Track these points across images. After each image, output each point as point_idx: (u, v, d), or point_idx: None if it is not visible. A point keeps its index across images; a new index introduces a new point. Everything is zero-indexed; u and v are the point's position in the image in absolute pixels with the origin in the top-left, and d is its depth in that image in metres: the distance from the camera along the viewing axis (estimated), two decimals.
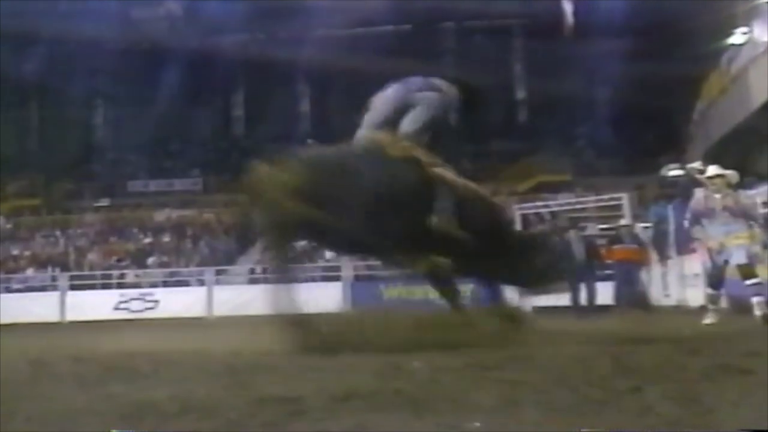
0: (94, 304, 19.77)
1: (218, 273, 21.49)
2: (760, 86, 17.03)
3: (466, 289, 18.62)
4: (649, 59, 26.25)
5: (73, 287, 21.19)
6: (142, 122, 31.17)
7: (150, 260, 24.28)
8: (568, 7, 30.03)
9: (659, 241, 16.07)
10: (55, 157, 31.58)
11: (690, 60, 24.04)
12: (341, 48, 29.60)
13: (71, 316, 19.51)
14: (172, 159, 32.62)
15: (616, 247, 14.35)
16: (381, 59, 28.38)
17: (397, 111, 6.68)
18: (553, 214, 22.24)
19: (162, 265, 23.84)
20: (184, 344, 5.98)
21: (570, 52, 28.82)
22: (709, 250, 8.86)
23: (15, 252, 25.66)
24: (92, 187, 31.53)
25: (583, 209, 19.71)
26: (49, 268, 23.95)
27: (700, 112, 22.93)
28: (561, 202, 21.22)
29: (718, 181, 8.90)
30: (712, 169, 9.10)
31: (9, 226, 28.35)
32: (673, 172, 22.86)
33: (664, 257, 15.81)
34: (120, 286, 21.99)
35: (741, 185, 9.68)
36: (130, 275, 22.79)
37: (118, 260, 24.55)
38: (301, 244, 6.41)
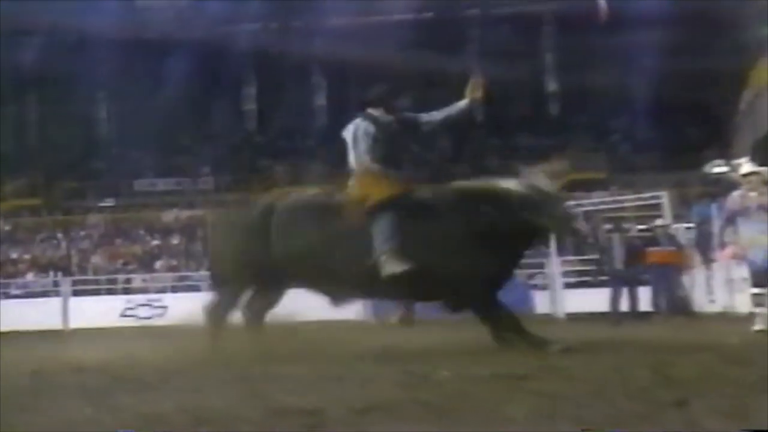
0: (99, 311, 19.85)
1: None
2: None
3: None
4: (690, 46, 26.05)
5: (76, 293, 21.29)
6: (149, 117, 31.26)
7: (158, 264, 24.40)
8: None
9: (703, 243, 15.95)
10: (55, 155, 31.77)
11: (735, 48, 23.84)
12: (358, 39, 29.59)
13: (74, 323, 19.60)
14: (180, 156, 32.74)
15: (652, 249, 14.29)
16: (401, 50, 28.46)
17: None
18: (587, 214, 22.15)
19: (171, 269, 23.94)
20: (195, 353, 6.00)
21: (604, 40, 28.64)
22: (744, 250, 8.83)
23: (14, 255, 25.81)
24: (96, 186, 31.69)
25: (620, 209, 19.59)
26: (51, 273, 24.10)
27: (747, 102, 22.72)
28: (595, 202, 21.08)
29: (753, 178, 8.85)
30: (747, 167, 9.05)
31: (7, 227, 28.54)
32: (718, 168, 22.66)
33: (708, 260, 15.69)
34: (126, 291, 22.10)
35: None
36: (137, 280, 22.91)
37: (124, 264, 24.67)
38: None
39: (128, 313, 20.45)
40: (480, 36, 32.33)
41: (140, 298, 21.10)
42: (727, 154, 22.36)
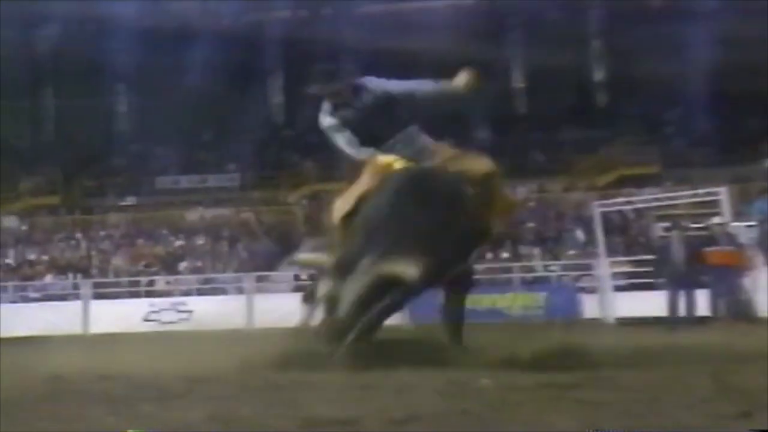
0: (121, 315, 20.00)
1: (259, 279, 21.61)
2: None
3: (540, 298, 18.60)
4: (750, 33, 25.72)
5: (96, 296, 21.47)
6: (171, 111, 31.49)
7: (182, 265, 24.55)
8: None
9: (764, 242, 15.77)
10: (74, 150, 32.13)
11: None
12: (393, 26, 29.59)
13: (95, 328, 19.77)
14: (205, 152, 32.94)
15: (710, 249, 14.15)
16: (438, 38, 28.38)
17: None
18: (638, 212, 21.99)
19: (195, 270, 24.09)
20: (222, 359, 6.03)
21: (657, 25, 28.40)
22: None
23: (31, 257, 26.10)
24: (116, 183, 31.95)
25: (674, 206, 19.42)
26: (70, 275, 24.32)
27: None
28: (647, 198, 20.95)
29: None
30: None
31: (24, 227, 28.88)
32: None
33: None
34: (149, 294, 22.25)
35: None
36: (160, 282, 23.06)
37: (146, 266, 24.85)
38: None
39: (151, 317, 20.58)
40: (521, 21, 32.22)
41: (163, 301, 21.21)
42: None
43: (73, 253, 26.36)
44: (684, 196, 19.44)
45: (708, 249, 14.26)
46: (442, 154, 6.67)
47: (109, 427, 3.36)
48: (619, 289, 18.01)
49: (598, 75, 33.14)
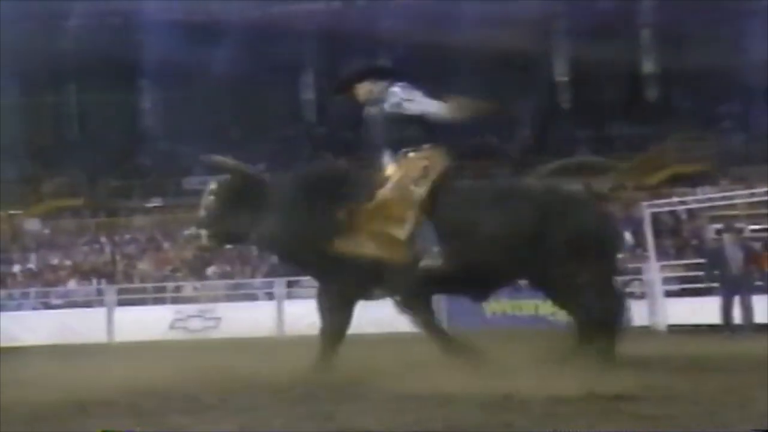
0: (147, 322, 20.08)
1: (290, 285, 21.62)
2: None
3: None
4: None
5: (121, 302, 21.61)
6: (199, 109, 31.69)
7: (210, 270, 24.63)
8: None
9: None
10: (98, 150, 32.41)
11: None
12: (429, 19, 29.58)
13: (120, 336, 19.89)
14: (233, 150, 32.98)
15: None
16: (475, 31, 28.34)
17: None
18: (691, 212, 21.77)
19: (224, 276, 24.16)
20: (253, 368, 6.08)
21: (710, 14, 28.14)
22: None
23: (54, 261, 26.32)
24: (141, 184, 32.17)
25: (730, 206, 19.21)
26: (94, 280, 24.49)
27: None
28: (701, 198, 20.74)
29: None
30: None
31: (46, 230, 29.16)
32: None
33: None
34: (175, 301, 22.33)
35: None
36: (187, 288, 23.16)
37: (173, 271, 24.96)
38: None
39: (178, 324, 20.67)
40: (564, 11, 32.06)
41: (191, 308, 21.27)
42: None
43: (97, 258, 26.53)
44: (741, 195, 19.23)
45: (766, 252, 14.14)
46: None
47: None
48: (670, 294, 17.84)
49: (649, 67, 32.85)
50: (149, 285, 23.41)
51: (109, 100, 32.94)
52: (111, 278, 24.34)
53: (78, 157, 32.33)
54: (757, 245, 14.81)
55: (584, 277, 6.49)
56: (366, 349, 6.76)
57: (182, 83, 31.95)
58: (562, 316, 18.11)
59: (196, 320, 20.66)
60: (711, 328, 13.84)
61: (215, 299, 22.05)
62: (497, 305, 18.37)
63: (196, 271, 24.60)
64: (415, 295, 6.80)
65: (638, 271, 18.83)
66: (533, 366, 5.76)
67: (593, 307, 6.55)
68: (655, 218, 18.61)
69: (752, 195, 18.48)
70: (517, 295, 18.86)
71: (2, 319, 20.57)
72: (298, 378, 5.65)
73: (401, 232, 6.52)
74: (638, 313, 17.77)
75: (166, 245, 26.99)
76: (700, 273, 16.30)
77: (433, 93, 7.48)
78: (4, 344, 17.50)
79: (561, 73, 32.74)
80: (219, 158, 8.01)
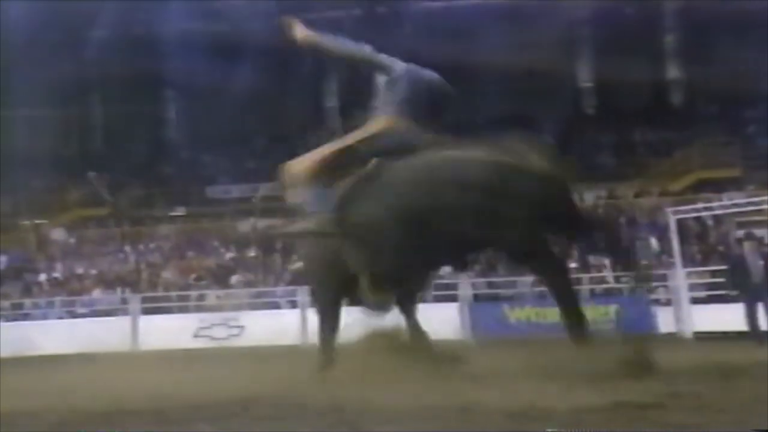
0: (171, 331, 20.14)
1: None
2: None
3: (610, 311, 18.35)
4: None
5: (146, 311, 21.70)
6: (222, 118, 31.80)
7: (233, 279, 24.71)
8: None
9: None
10: (122, 160, 32.59)
11: None
12: (449, 23, 29.58)
13: (145, 344, 19.95)
14: (257, 159, 33.17)
15: None
16: (498, 37, 28.29)
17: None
18: (717, 218, 21.63)
19: (248, 284, 24.23)
20: (277, 377, 6.08)
21: (735, 19, 27.96)
22: None
23: (79, 270, 26.47)
24: (165, 193, 32.31)
25: (756, 212, 19.07)
26: (118, 289, 24.60)
27: None
28: (727, 204, 20.59)
29: None
30: None
31: (72, 240, 29.35)
32: None
33: None
34: (199, 309, 22.40)
35: None
36: (211, 296, 23.22)
37: (197, 279, 25.04)
38: None
39: (202, 333, 20.74)
40: (589, 15, 31.96)
41: (215, 317, 21.32)
42: None
43: (121, 267, 26.67)
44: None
45: None
46: None
47: None
48: (696, 301, 17.73)
49: (674, 72, 32.70)
50: (173, 293, 23.48)
51: (133, 111, 33.12)
52: (135, 287, 24.45)
53: (102, 166, 32.53)
54: None
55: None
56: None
57: (205, 93, 32.04)
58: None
59: (220, 328, 20.71)
60: (738, 335, 13.72)
61: (239, 308, 22.08)
62: (521, 312, 18.35)
63: (220, 280, 24.68)
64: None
65: (664, 278, 18.73)
66: (558, 374, 5.74)
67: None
68: (681, 224, 18.51)
69: None
70: (541, 303, 18.84)
71: (28, 327, 20.77)
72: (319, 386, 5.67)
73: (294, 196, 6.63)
74: (664, 320, 17.75)
75: (189, 254, 27.10)
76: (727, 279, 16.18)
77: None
78: (29, 353, 17.66)
79: (585, 79, 32.64)
80: None
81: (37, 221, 30.69)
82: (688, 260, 18.78)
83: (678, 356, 7.97)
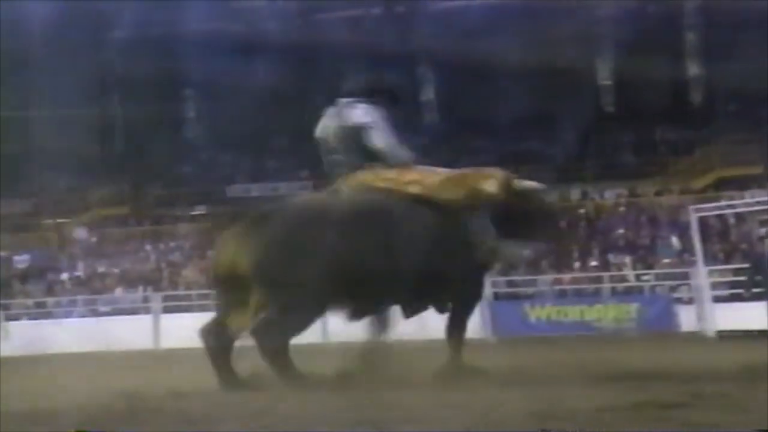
0: (192, 329, 20.12)
1: None
2: None
3: (632, 309, 18.27)
4: None
5: (167, 309, 21.76)
6: (242, 117, 31.85)
7: None
8: None
9: None
10: (143, 159, 32.73)
11: None
12: (470, 23, 29.51)
13: (166, 343, 19.99)
14: (276, 158, 33.23)
15: None
16: (518, 36, 28.24)
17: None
18: (740, 216, 21.50)
19: None
20: (300, 375, 6.08)
21: (759, 13, 27.77)
22: None
23: (101, 269, 26.61)
24: (186, 192, 32.41)
25: None
26: (140, 288, 24.70)
27: None
28: (749, 202, 20.46)
29: None
30: None
31: (93, 239, 29.51)
32: None
33: None
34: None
35: None
36: None
37: None
38: None
39: None
40: (611, 13, 31.81)
41: None
42: None
43: (142, 266, 26.79)
44: None
45: None
46: None
47: None
48: (719, 299, 17.63)
49: (694, 70, 32.52)
50: (194, 292, 23.54)
51: (154, 110, 33.19)
52: (157, 285, 24.54)
53: (123, 166, 32.70)
54: None
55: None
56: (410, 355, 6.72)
57: (226, 92, 32.13)
58: (606, 322, 18.02)
59: None
60: (762, 333, 13.62)
61: None
62: (541, 311, 18.32)
63: None
64: None
65: (686, 276, 18.65)
66: (580, 373, 5.72)
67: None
68: (703, 222, 18.41)
69: None
70: (561, 301, 18.81)
71: (51, 326, 20.90)
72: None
73: None
74: (686, 319, 17.66)
75: (210, 253, 27.12)
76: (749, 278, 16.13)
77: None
78: (52, 351, 17.76)
79: (605, 77, 32.50)
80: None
81: (59, 220, 30.90)
82: (710, 258, 18.68)
83: (701, 355, 7.94)
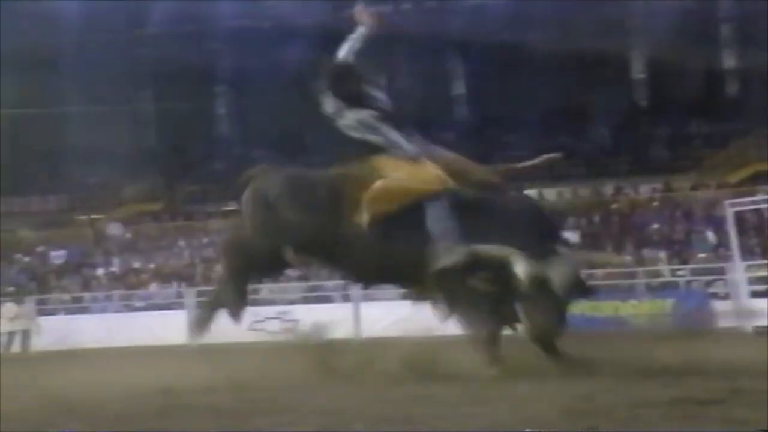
0: (225, 324, 20.22)
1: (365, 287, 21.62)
2: None
3: (667, 305, 18.09)
4: None
5: (200, 305, 21.81)
6: (273, 113, 31.94)
7: (286, 273, 24.77)
8: None
9: None
10: (176, 155, 32.92)
11: None
12: (501, 19, 29.40)
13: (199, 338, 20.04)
14: (306, 154, 33.27)
15: None
16: (551, 29, 28.08)
17: None
18: None
19: (300, 278, 24.25)
20: (333, 371, 6.08)
21: None
22: None
23: (136, 265, 26.79)
24: (218, 188, 32.54)
25: None
26: (174, 283, 24.84)
27: None
28: None
29: None
30: None
31: (128, 235, 29.71)
32: None
33: None
34: (253, 302, 22.41)
35: None
36: (264, 290, 23.31)
37: None
38: None
39: (256, 326, 20.77)
40: (644, 9, 31.55)
41: (268, 310, 21.36)
42: None
43: (176, 261, 26.93)
44: None
45: None
46: None
47: None
48: (756, 295, 17.44)
49: (730, 63, 32.16)
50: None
51: (187, 107, 33.36)
52: (190, 281, 24.66)
53: (157, 162, 32.91)
54: None
55: None
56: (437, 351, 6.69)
57: (257, 89, 32.22)
58: (641, 317, 17.86)
59: (273, 322, 20.79)
60: None
61: (292, 302, 22.19)
62: (575, 306, 18.16)
63: None
64: None
65: (722, 272, 18.46)
66: (615, 369, 5.67)
67: None
68: (739, 217, 18.23)
69: None
70: (595, 297, 18.64)
71: (87, 321, 21.09)
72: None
73: None
74: (722, 314, 17.47)
75: None
76: None
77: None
78: (88, 346, 17.93)
79: (639, 71, 32.21)
80: None
81: (94, 216, 31.16)
82: (746, 253, 18.47)
83: (737, 351, 7.84)
